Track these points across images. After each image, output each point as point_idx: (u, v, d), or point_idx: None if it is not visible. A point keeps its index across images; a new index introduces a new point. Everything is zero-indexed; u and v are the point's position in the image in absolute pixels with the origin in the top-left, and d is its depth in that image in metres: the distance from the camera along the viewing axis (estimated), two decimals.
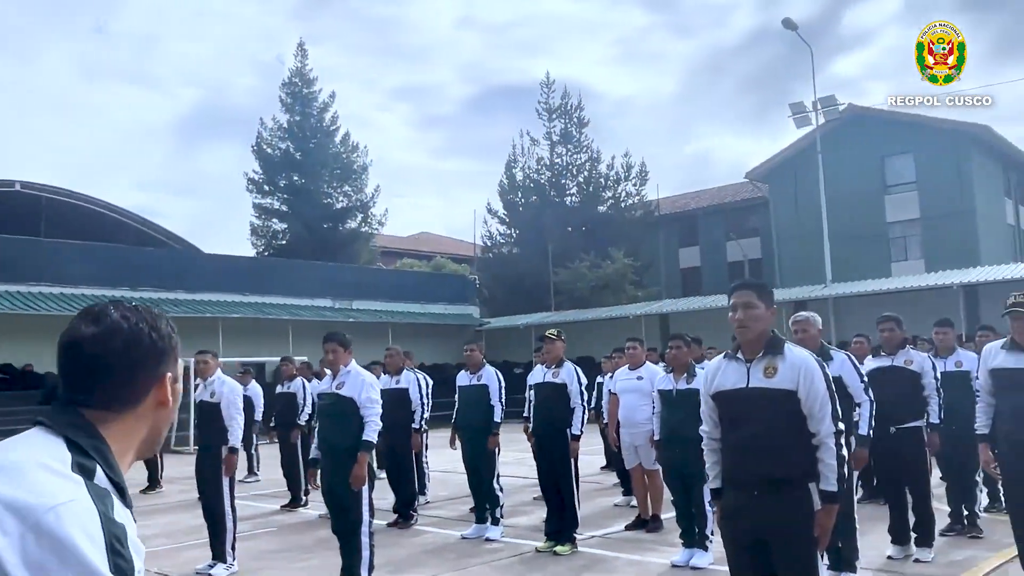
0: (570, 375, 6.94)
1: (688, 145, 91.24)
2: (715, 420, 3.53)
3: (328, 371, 5.53)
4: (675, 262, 37.01)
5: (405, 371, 8.51)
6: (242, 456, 12.34)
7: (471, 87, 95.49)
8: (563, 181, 34.71)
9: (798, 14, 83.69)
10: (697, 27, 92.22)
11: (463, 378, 7.78)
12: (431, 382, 9.31)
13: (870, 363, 6.64)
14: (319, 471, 5.53)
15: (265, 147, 35.55)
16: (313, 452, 5.58)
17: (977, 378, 5.10)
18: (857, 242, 28.13)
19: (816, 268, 24.47)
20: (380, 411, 5.32)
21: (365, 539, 5.15)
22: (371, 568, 5.27)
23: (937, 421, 6.39)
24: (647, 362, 7.85)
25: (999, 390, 4.68)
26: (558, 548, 6.72)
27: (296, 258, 30.20)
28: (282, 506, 9.51)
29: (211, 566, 6.22)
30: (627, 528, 7.61)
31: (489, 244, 35.53)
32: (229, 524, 6.11)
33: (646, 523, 7.56)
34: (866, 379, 5.64)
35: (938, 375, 6.46)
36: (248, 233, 35.95)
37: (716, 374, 3.52)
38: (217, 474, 6.13)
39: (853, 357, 5.72)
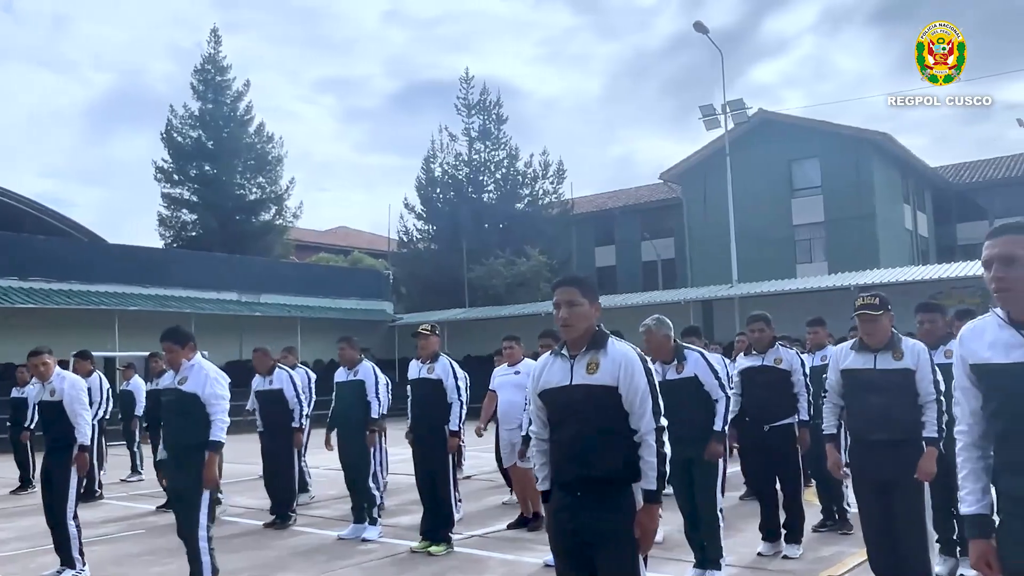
0: (445, 370, 6.84)
1: (612, 146, 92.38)
2: (543, 419, 3.43)
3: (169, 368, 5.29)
4: (591, 261, 37.31)
5: (277, 370, 8.24)
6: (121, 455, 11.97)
7: (396, 82, 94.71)
8: (481, 178, 34.61)
9: (719, 21, 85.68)
10: (622, 30, 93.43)
11: (340, 375, 7.60)
12: (313, 377, 9.06)
13: (742, 362, 6.72)
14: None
15: (175, 135, 34.46)
16: (160, 452, 5.32)
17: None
18: (765, 244, 28.86)
19: (725, 269, 25.00)
20: (227, 407, 5.08)
21: (204, 544, 4.93)
22: (214, 572, 5.05)
23: (807, 418, 6.47)
24: (526, 359, 7.80)
25: (848, 390, 4.74)
26: (432, 548, 6.60)
27: (207, 250, 29.33)
28: (158, 507, 9.14)
29: (60, 572, 5.89)
30: (509, 527, 7.54)
31: (406, 240, 35.20)
32: (72, 530, 5.78)
33: (528, 521, 7.50)
34: (723, 377, 5.67)
35: (807, 372, 6.56)
36: (156, 224, 34.90)
37: (543, 372, 3.41)
38: (64, 476, 5.79)
39: (707, 355, 5.75)
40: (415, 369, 7.11)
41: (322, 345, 24.26)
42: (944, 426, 4.49)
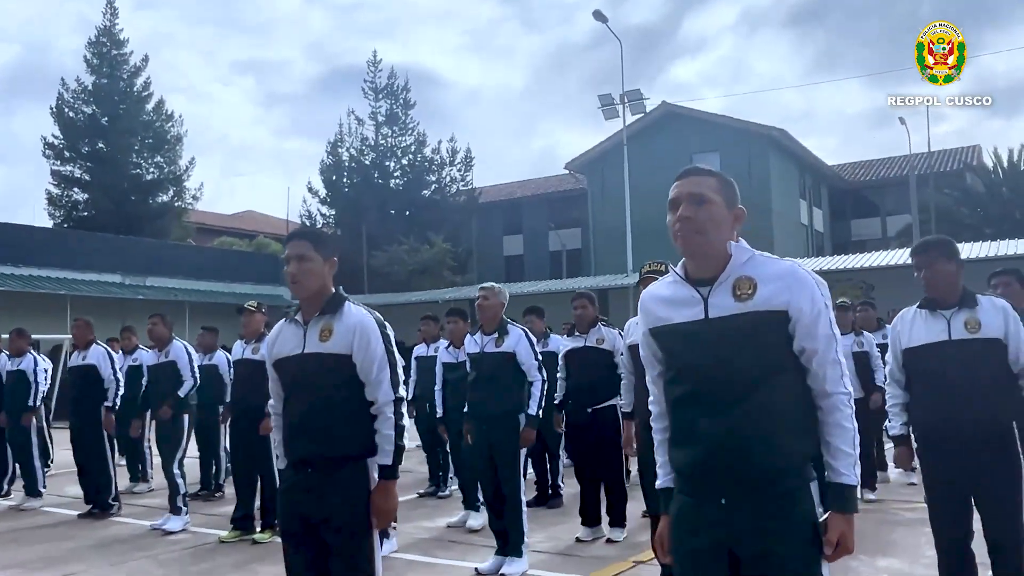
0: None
1: (535, 139, 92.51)
2: (279, 392, 3.19)
3: None
4: (499, 249, 37.20)
5: (95, 346, 7.78)
6: None
7: (318, 66, 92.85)
8: (387, 163, 34.10)
9: (640, 18, 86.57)
10: (546, 23, 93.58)
11: (149, 357, 7.29)
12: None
13: (565, 343, 6.62)
14: None
15: (67, 110, 32.83)
16: None
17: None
18: (666, 235, 29.08)
19: (620, 257, 25.14)
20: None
21: None
22: None
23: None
24: None
25: (636, 366, 4.68)
26: (257, 536, 6.35)
27: (100, 231, 28.03)
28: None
29: None
30: None
31: (308, 225, 34.43)
32: None
33: None
34: (539, 358, 5.56)
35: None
36: (45, 203, 33.28)
37: (276, 339, 3.15)
38: None
39: (530, 334, 5.62)
40: (238, 350, 6.86)
41: (216, 329, 23.51)
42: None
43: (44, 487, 8.47)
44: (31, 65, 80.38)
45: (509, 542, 5.32)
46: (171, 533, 6.65)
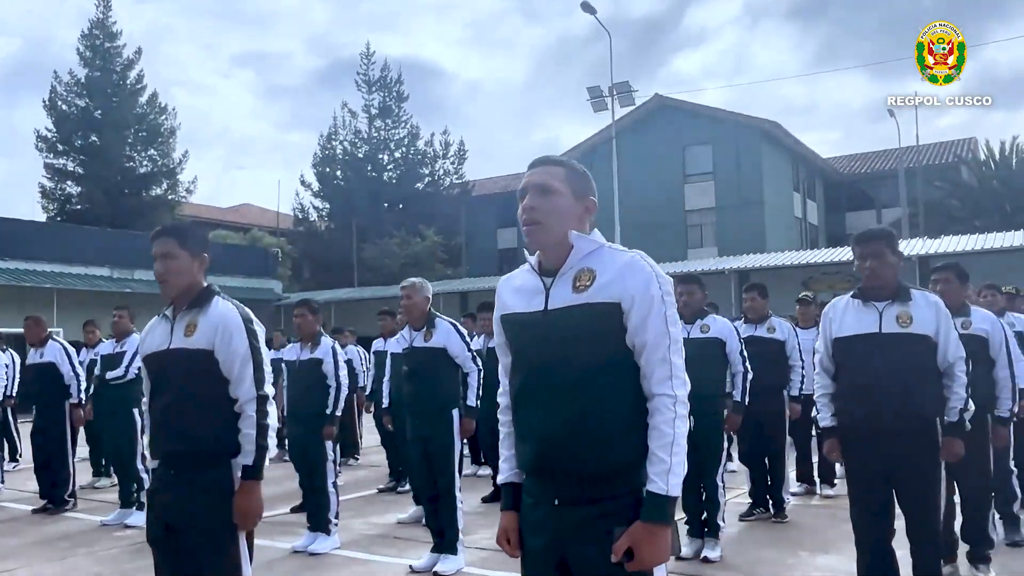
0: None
1: (536, 131, 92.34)
2: (148, 388, 3.14)
3: None
4: (493, 242, 37.15)
5: (51, 342, 7.75)
6: None
7: (318, 59, 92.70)
8: (380, 156, 34.05)
9: (644, 11, 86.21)
10: (547, 15, 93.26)
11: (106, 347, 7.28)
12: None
13: (477, 342, 6.65)
14: None
15: (60, 103, 32.81)
16: None
17: None
18: (658, 228, 29.12)
19: None
20: None
21: None
22: None
23: None
24: None
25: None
26: None
27: (92, 224, 28.03)
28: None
29: None
30: (292, 511, 7.25)
31: (301, 217, 34.46)
32: None
33: None
34: (472, 349, 5.54)
35: None
36: (38, 196, 33.28)
37: (147, 335, 3.11)
38: None
39: (460, 326, 5.58)
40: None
41: None
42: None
43: (2, 481, 8.46)
44: (31, 58, 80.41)
45: (444, 539, 5.27)
46: (130, 527, 6.61)
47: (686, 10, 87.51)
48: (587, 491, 2.00)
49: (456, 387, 5.42)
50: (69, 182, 33.18)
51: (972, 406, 3.59)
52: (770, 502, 6.46)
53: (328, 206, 34.04)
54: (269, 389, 2.95)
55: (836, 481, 7.67)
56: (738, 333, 5.73)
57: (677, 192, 30.59)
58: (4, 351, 9.36)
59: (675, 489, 1.93)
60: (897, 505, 3.61)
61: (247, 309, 3.04)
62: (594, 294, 2.03)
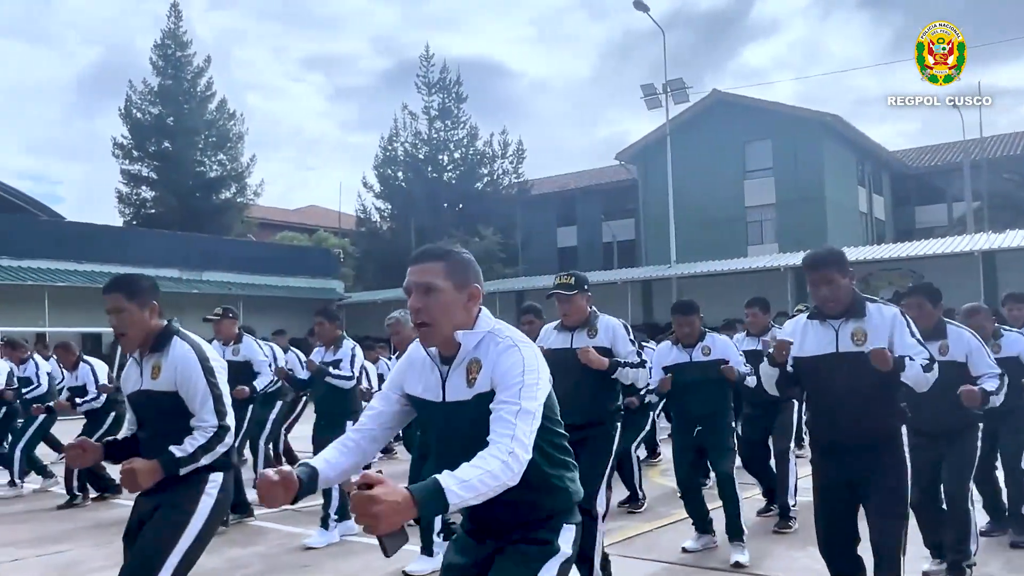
0: (250, 348, 6.89)
1: (600, 127, 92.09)
2: (133, 419, 3.40)
3: None
4: (553, 241, 37.27)
5: (82, 364, 8.19)
6: None
7: (385, 60, 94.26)
8: (440, 157, 34.50)
9: (712, 2, 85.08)
10: (612, 10, 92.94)
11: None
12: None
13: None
14: None
15: (135, 111, 34.19)
16: None
17: None
18: (717, 224, 28.85)
19: (680, 248, 24.90)
20: None
21: None
22: None
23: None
24: None
25: (552, 369, 4.71)
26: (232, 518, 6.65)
27: (165, 227, 29.22)
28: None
29: None
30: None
31: (363, 218, 35.16)
32: None
33: None
34: None
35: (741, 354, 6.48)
36: (116, 201, 34.73)
37: (125, 376, 3.36)
38: None
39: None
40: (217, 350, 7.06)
41: (270, 323, 24.26)
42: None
43: (52, 476, 9.04)
44: (112, 66, 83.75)
45: (422, 540, 5.35)
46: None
47: (755, 1, 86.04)
48: (508, 540, 2.27)
49: None
50: (144, 187, 34.54)
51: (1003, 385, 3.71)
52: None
53: (389, 207, 34.65)
54: (230, 422, 3.16)
55: None
56: (737, 347, 5.85)
57: (737, 188, 30.24)
58: (47, 359, 9.92)
59: (452, 495, 1.92)
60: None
61: (204, 347, 3.23)
62: (480, 384, 2.20)
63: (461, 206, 33.77)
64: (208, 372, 3.14)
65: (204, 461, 3.10)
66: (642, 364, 4.54)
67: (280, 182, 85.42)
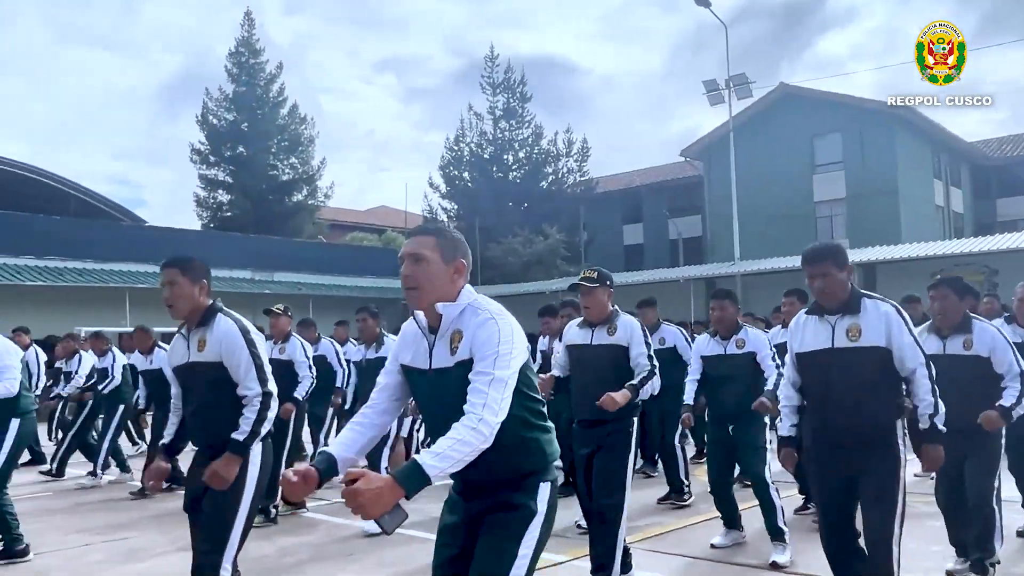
0: (295, 348, 7.20)
1: (673, 122, 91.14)
2: (178, 391, 3.74)
3: None
4: (619, 238, 37.15)
5: (157, 350, 8.70)
6: None
7: (455, 59, 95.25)
8: (505, 156, 34.76)
9: None
10: (683, 4, 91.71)
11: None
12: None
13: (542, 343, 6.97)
14: None
15: (211, 117, 35.37)
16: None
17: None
18: (785, 220, 28.34)
19: (744, 246, 24.59)
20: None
21: None
22: None
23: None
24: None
25: (572, 365, 4.84)
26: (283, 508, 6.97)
27: (240, 230, 30.27)
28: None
29: None
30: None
31: (429, 218, 35.63)
32: None
33: None
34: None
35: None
36: (193, 205, 36.01)
37: (172, 350, 3.72)
38: None
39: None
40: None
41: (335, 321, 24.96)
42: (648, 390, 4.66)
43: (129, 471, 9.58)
44: (193, 73, 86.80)
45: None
46: None
47: None
48: (488, 497, 2.49)
49: None
50: (220, 191, 35.66)
51: (943, 410, 3.57)
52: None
53: (455, 207, 35.08)
54: (272, 387, 3.46)
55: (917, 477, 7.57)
56: (769, 342, 5.75)
57: (805, 183, 29.64)
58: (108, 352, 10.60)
59: (429, 468, 2.15)
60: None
61: (245, 321, 3.55)
62: (461, 352, 2.41)
63: (526, 205, 33.96)
64: (250, 344, 3.45)
65: (264, 431, 3.42)
66: (652, 372, 4.60)
67: (354, 183, 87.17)
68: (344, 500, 2.09)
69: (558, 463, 2.70)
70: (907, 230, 26.92)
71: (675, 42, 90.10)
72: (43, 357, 10.46)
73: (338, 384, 8.68)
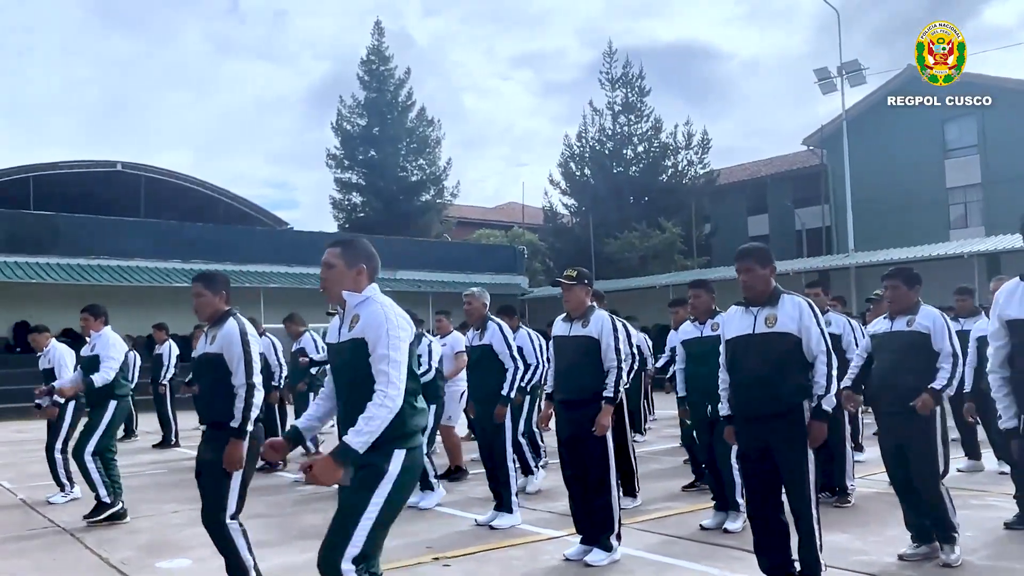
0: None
1: (820, 104, 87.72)
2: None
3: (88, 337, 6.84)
4: (744, 230, 36.52)
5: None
6: None
7: (590, 52, 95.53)
8: (624, 151, 34.92)
9: None
10: None
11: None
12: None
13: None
14: None
15: (344, 123, 37.39)
16: None
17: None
18: (915, 208, 27.16)
19: (872, 235, 23.84)
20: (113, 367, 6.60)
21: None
22: None
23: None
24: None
25: (555, 353, 5.47)
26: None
27: (373, 231, 32.02)
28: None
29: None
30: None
31: (551, 214, 36.28)
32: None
33: (450, 473, 8.51)
34: (526, 350, 6.60)
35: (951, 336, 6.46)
36: (330, 207, 38.20)
37: (199, 344, 4.53)
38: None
39: (505, 328, 6.53)
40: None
41: (458, 318, 26.06)
42: (621, 388, 5.15)
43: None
44: (337, 79, 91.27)
45: (501, 499, 6.24)
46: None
47: None
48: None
49: (502, 378, 6.34)
50: (354, 193, 37.66)
51: (833, 391, 4.03)
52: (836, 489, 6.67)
53: (575, 202, 35.56)
54: (255, 380, 4.19)
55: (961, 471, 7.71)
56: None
57: (936, 168, 28.25)
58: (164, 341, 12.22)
59: (354, 443, 2.90)
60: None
61: (247, 326, 4.31)
62: (356, 332, 3.09)
63: (646, 199, 34.00)
64: (245, 343, 4.20)
65: (253, 415, 4.16)
66: (620, 366, 5.15)
67: (493, 180, 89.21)
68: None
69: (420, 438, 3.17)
70: None
71: (819, 21, 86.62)
72: (176, 351, 12.11)
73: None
